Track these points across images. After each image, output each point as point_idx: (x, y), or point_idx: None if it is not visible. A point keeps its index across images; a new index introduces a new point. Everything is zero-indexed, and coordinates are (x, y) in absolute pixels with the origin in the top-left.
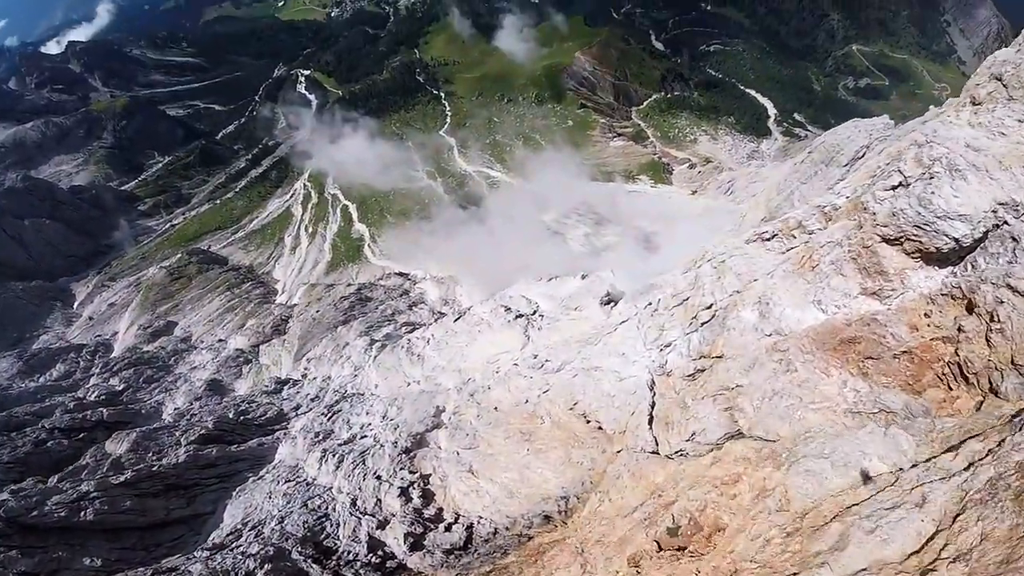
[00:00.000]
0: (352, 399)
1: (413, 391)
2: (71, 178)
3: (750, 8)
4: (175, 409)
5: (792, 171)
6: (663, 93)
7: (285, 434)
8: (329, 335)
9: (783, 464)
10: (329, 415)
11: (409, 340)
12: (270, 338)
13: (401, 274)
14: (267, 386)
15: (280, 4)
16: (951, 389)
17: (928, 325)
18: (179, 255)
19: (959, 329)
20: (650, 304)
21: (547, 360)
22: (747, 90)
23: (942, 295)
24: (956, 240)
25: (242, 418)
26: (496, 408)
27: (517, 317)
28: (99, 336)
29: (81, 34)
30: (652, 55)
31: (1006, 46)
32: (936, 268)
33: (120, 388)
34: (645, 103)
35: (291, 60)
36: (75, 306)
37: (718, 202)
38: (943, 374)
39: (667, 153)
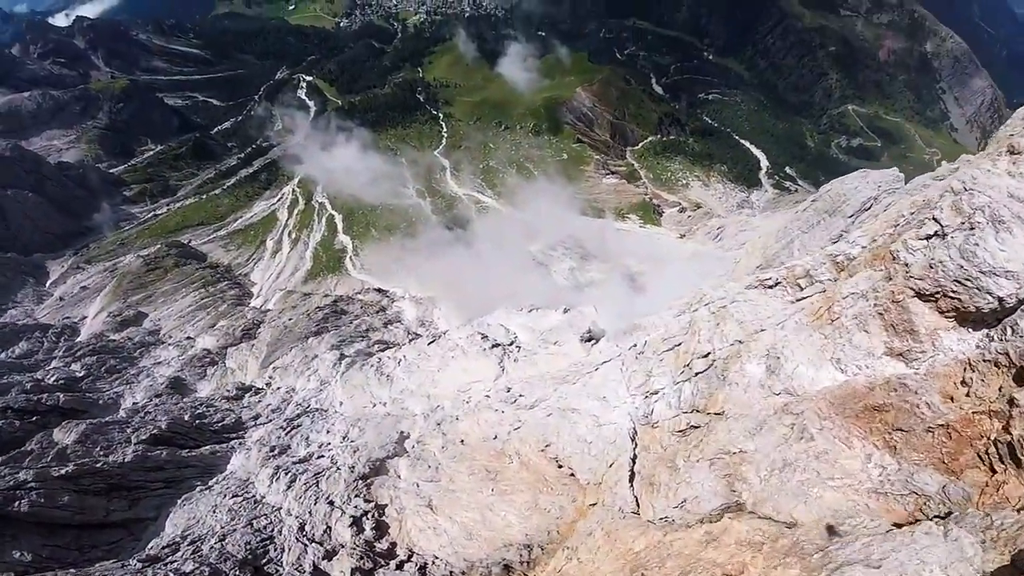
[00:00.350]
0: (314, 415)
1: (378, 413)
2: (61, 154)
3: (751, 61)
4: (133, 403)
5: (793, 219)
6: (659, 136)
7: (240, 444)
8: (299, 345)
9: (817, 570)
10: (288, 429)
11: (380, 359)
12: (239, 341)
13: (380, 290)
14: (229, 391)
15: (291, 8)
16: (995, 471)
17: (967, 395)
18: (158, 246)
19: (1010, 403)
20: (635, 346)
21: (521, 395)
22: (741, 140)
23: (984, 361)
24: (1000, 299)
25: (198, 422)
26: (463, 441)
27: (494, 346)
28: (67, 318)
29: (90, 10)
30: (651, 97)
31: (1000, 116)
32: (970, 330)
33: (80, 375)
34: (641, 144)
35: (295, 64)
36: (47, 284)
37: (706, 247)
38: (986, 453)
39: (658, 195)
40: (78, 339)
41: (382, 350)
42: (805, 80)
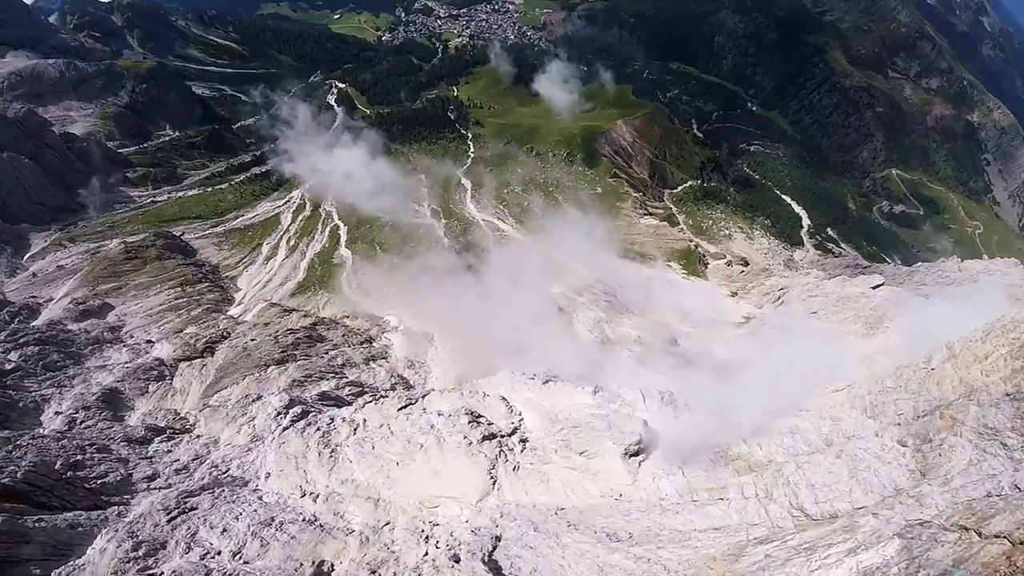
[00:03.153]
0: (224, 489)
1: (300, 514)
2: (75, 126)
3: (795, 115)
4: (56, 412)
5: None
6: (700, 181)
7: (117, 516)
8: (254, 374)
9: None
10: (176, 512)
11: (332, 420)
12: (198, 355)
13: (371, 316)
14: (133, 430)
15: (336, 17)
16: None
17: None
18: (145, 234)
19: None
20: (751, 486)
21: (517, 549)
22: (782, 196)
23: None
24: None
25: (71, 473)
26: None
27: (485, 439)
28: (33, 297)
29: None
30: (695, 140)
31: None
32: None
33: (10, 367)
34: (680, 187)
35: (330, 70)
36: (25, 257)
37: (767, 312)
38: None
39: (699, 244)
40: (33, 323)
41: (352, 395)
42: (850, 140)
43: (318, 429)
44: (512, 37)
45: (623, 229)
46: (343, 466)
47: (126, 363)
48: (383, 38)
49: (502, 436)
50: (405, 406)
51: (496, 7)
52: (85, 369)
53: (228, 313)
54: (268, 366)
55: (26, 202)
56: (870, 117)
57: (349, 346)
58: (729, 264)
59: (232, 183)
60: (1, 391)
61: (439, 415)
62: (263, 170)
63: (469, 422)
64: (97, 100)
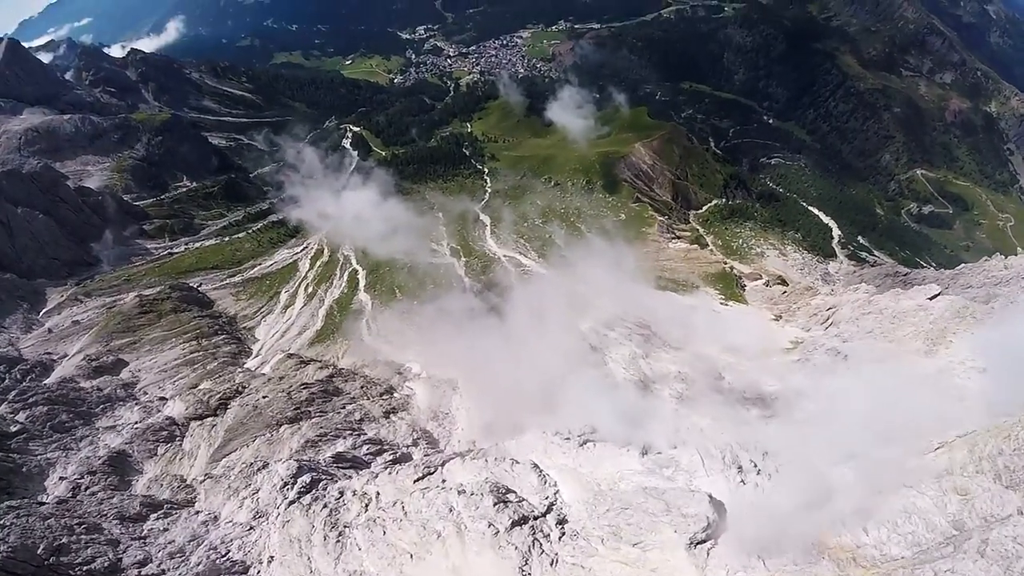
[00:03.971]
0: None
1: None
2: (91, 180)
3: (813, 124)
4: (61, 478)
5: None
6: (724, 199)
7: None
8: (265, 435)
9: None
10: None
11: (341, 495)
12: (211, 413)
13: (392, 363)
14: (129, 504)
15: (348, 62)
16: None
17: None
18: (161, 287)
19: None
20: None
21: None
22: (809, 207)
23: None
24: None
25: (55, 558)
26: None
27: (515, 525)
28: (48, 354)
29: (146, 45)
30: (715, 158)
31: None
32: None
33: (15, 430)
34: (705, 207)
35: (344, 115)
36: (41, 313)
37: (817, 335)
38: None
39: (733, 266)
40: (45, 381)
41: (370, 454)
42: (871, 144)
43: (325, 506)
44: (522, 70)
45: (652, 255)
46: (351, 554)
47: (136, 423)
48: (395, 80)
49: (535, 518)
50: (422, 477)
51: (504, 42)
52: (94, 430)
53: (245, 366)
54: (280, 425)
55: (41, 257)
56: (888, 119)
57: (368, 398)
58: (768, 285)
59: (249, 231)
60: (5, 455)
61: (460, 493)
62: (280, 217)
63: (495, 503)
64: (113, 154)
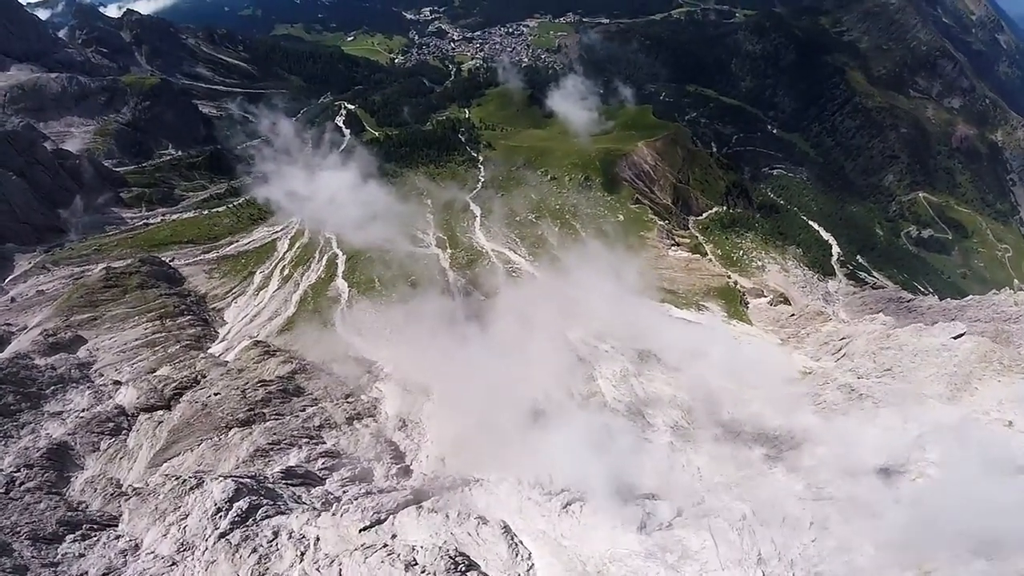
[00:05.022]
0: None
1: None
2: (73, 142)
3: (817, 138)
4: None
5: None
6: (725, 207)
7: None
8: (212, 439)
9: None
10: None
11: (276, 535)
12: (165, 405)
13: (362, 360)
14: (47, 516)
15: (349, 39)
16: None
17: None
18: (130, 260)
19: None
20: None
21: None
22: (810, 222)
23: None
24: None
25: None
26: None
27: None
28: (7, 325)
29: (148, 7)
30: (719, 163)
31: None
32: None
33: None
34: (705, 214)
35: (340, 92)
36: (7, 280)
37: (829, 367)
38: None
39: (737, 281)
40: None
41: (325, 469)
42: (875, 162)
43: (255, 550)
44: (526, 60)
45: (650, 263)
46: None
47: (82, 411)
48: (395, 60)
49: None
50: (369, 527)
51: (510, 30)
52: (40, 415)
53: (209, 351)
54: (230, 428)
55: (12, 221)
56: (894, 139)
57: (331, 400)
58: (772, 304)
59: (230, 206)
60: None
61: (409, 567)
62: (249, 197)
63: (454, 569)
64: (99, 116)
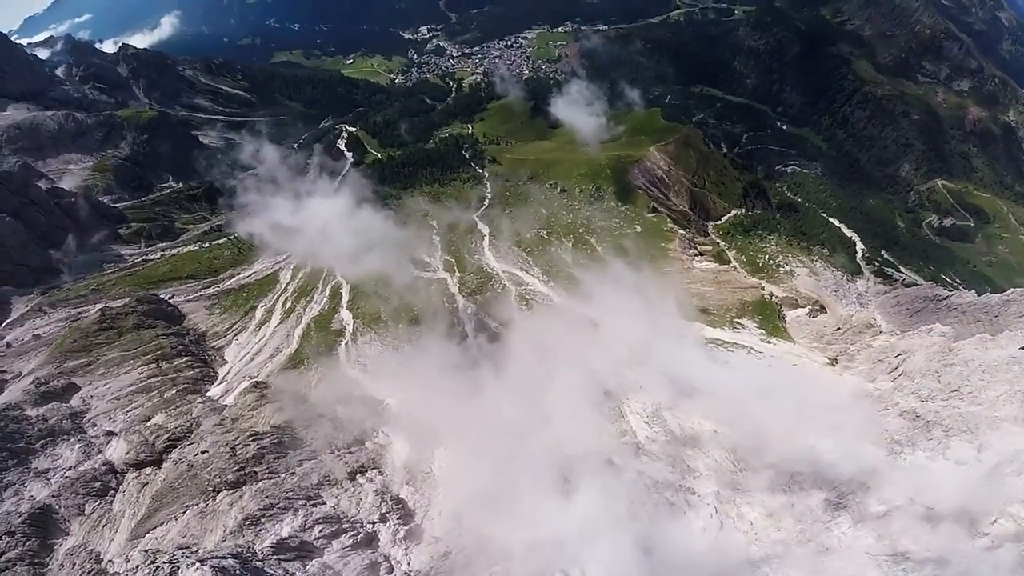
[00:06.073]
0: None
1: None
2: (71, 179)
3: (829, 131)
4: None
5: None
6: (744, 210)
7: None
8: (199, 504)
9: None
10: None
11: None
12: (156, 459)
13: (367, 399)
14: None
15: (349, 62)
16: None
17: None
18: (127, 299)
19: None
20: None
21: None
22: (830, 219)
23: None
24: None
25: None
26: None
27: None
28: (2, 372)
29: (145, 41)
30: (733, 164)
31: None
32: None
33: None
34: (724, 218)
35: (341, 115)
36: (3, 325)
37: (885, 389)
38: None
39: (773, 293)
40: None
41: (323, 538)
42: (890, 152)
43: None
44: (527, 72)
45: (675, 277)
46: None
47: (70, 468)
48: (395, 80)
49: None
50: None
51: (509, 43)
52: (27, 473)
53: (207, 394)
54: (218, 492)
55: (8, 263)
56: (907, 126)
57: (332, 451)
58: (811, 315)
59: (231, 237)
60: None
61: None
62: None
63: None
64: (97, 152)
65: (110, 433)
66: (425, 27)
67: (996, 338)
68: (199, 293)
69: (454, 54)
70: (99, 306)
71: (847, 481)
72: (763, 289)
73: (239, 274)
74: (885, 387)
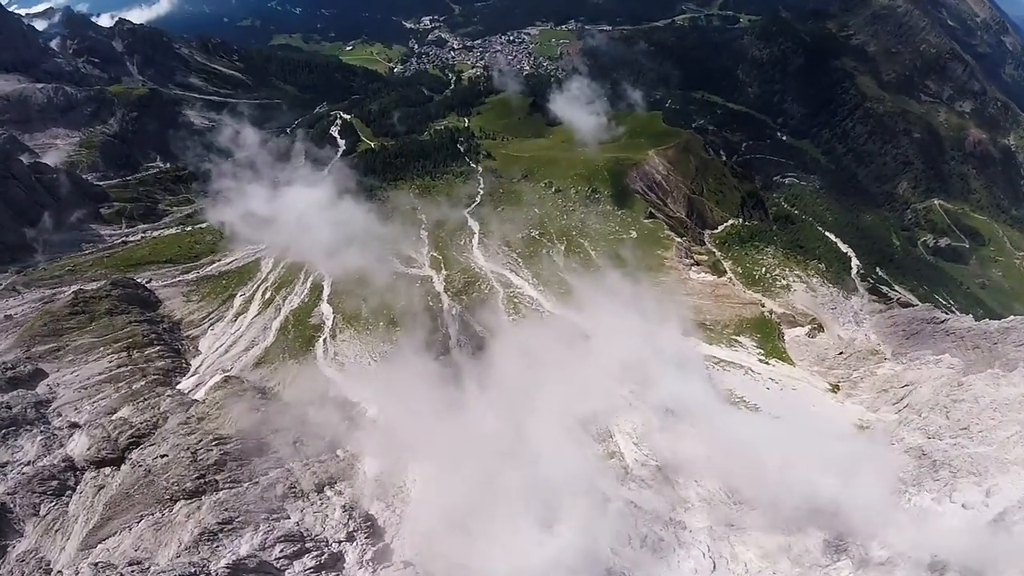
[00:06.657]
0: None
1: None
2: (56, 155)
3: (828, 145)
4: None
5: None
6: (741, 220)
7: None
8: (154, 514)
9: None
10: None
11: None
12: (118, 457)
13: (342, 401)
14: None
15: (348, 48)
16: None
17: None
18: (103, 282)
19: None
20: None
21: None
22: (826, 233)
23: None
24: None
25: None
26: None
27: None
28: None
29: (144, 16)
30: (733, 173)
31: None
32: None
33: None
34: (721, 227)
35: (336, 101)
36: None
37: (889, 421)
38: None
39: (772, 310)
40: None
41: (284, 558)
42: (888, 169)
43: None
44: (528, 68)
45: (671, 288)
46: None
47: (28, 463)
48: (394, 69)
49: None
50: None
51: (511, 38)
52: None
53: (178, 386)
54: (176, 501)
55: None
56: (907, 144)
57: (300, 459)
58: (811, 335)
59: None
60: None
61: None
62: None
63: None
64: (85, 128)
65: (74, 425)
66: (428, 17)
67: (1009, 375)
68: (178, 279)
69: (455, 46)
70: (74, 288)
71: (848, 522)
72: (763, 306)
73: (219, 260)
74: (889, 419)
